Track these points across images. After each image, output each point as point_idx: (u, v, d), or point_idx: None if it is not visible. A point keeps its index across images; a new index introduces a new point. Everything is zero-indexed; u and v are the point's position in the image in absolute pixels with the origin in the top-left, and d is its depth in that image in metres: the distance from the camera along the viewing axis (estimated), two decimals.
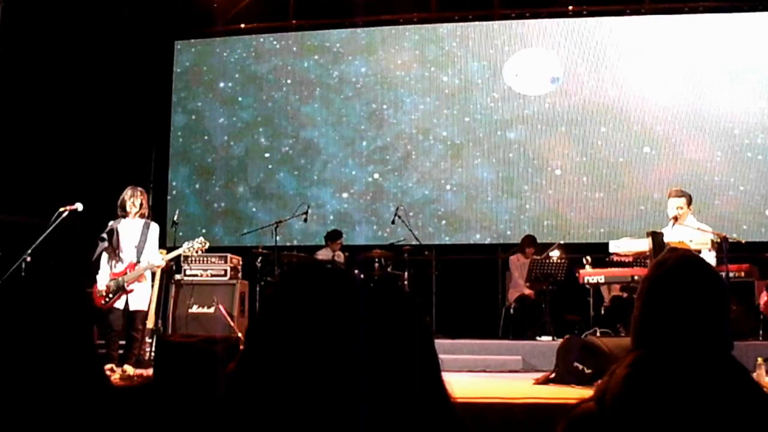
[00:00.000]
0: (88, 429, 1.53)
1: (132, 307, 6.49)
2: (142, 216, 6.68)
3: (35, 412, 1.52)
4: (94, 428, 1.54)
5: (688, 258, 1.74)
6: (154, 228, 6.76)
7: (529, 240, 9.55)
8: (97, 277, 6.55)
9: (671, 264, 1.70)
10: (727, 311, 1.68)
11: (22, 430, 1.49)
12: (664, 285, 1.67)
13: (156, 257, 6.72)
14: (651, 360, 1.56)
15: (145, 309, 6.69)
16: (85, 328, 1.74)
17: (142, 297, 6.59)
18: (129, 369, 6.28)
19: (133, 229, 6.63)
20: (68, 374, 1.60)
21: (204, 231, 10.64)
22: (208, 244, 7.09)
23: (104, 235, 6.56)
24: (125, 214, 6.63)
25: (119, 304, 6.47)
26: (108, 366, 6.14)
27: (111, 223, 6.65)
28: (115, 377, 5.94)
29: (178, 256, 7.20)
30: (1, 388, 1.57)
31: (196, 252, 7.06)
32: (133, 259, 6.57)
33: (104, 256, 6.58)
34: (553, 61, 10.49)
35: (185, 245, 6.99)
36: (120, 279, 6.47)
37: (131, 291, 6.48)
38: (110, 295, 6.43)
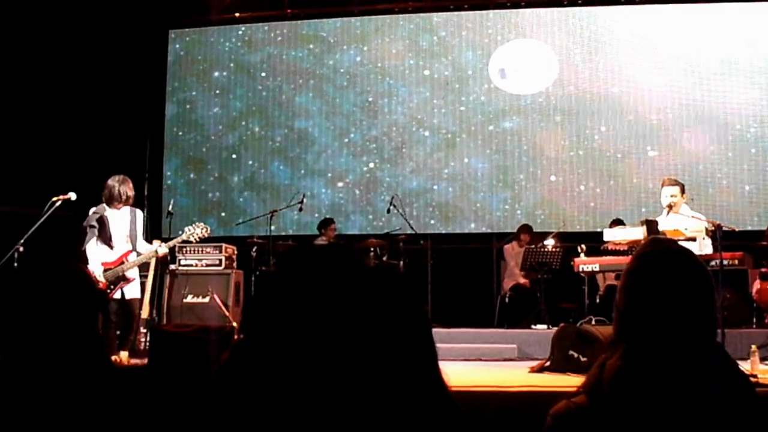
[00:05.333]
0: (92, 411, 1.53)
1: (128, 296, 6.46)
2: (129, 204, 6.62)
3: (40, 397, 1.52)
4: (98, 410, 1.54)
5: (671, 249, 1.72)
6: (140, 215, 6.70)
7: (525, 228, 9.57)
8: (89, 267, 6.32)
9: (653, 255, 1.68)
10: (713, 300, 1.65)
11: (28, 415, 1.50)
12: (646, 277, 1.64)
13: (159, 245, 6.69)
14: (643, 351, 1.55)
15: (139, 297, 6.65)
16: (90, 312, 1.73)
17: (136, 285, 6.57)
18: (124, 356, 6.26)
19: (121, 218, 6.55)
20: (73, 359, 1.60)
21: (198, 222, 10.59)
22: (209, 229, 7.03)
23: (94, 224, 6.42)
24: (113, 204, 6.50)
25: (117, 294, 6.43)
26: None
27: (94, 209, 6.51)
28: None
29: (173, 246, 7.16)
30: (6, 373, 1.57)
31: (199, 237, 6.98)
32: (126, 248, 6.52)
33: (93, 244, 6.42)
34: (501, 54, 10.46)
35: (187, 230, 6.90)
36: (118, 269, 6.42)
37: (132, 280, 6.46)
38: (111, 286, 6.38)
